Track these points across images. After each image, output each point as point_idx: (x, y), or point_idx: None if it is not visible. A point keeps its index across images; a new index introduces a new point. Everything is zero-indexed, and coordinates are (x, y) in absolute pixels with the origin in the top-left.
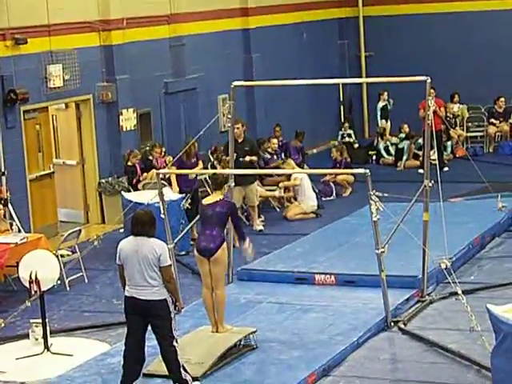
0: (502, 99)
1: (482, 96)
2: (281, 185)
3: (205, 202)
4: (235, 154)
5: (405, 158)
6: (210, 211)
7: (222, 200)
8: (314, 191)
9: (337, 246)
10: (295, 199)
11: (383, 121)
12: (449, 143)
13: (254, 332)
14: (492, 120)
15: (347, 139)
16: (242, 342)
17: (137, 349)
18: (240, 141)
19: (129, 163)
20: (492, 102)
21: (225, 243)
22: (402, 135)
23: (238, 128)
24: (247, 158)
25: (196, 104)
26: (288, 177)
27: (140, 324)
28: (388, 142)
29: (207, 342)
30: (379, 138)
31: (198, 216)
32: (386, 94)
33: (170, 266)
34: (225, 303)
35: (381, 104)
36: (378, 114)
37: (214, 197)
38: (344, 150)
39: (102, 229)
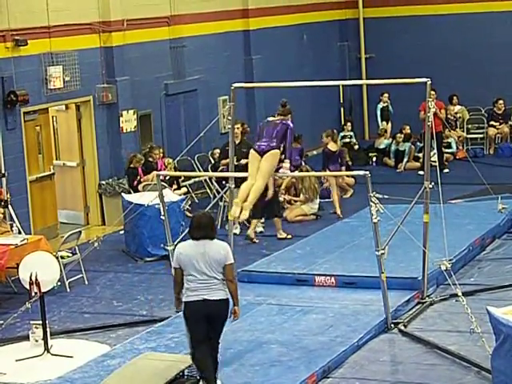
0: (501, 101)
1: (482, 98)
2: (282, 187)
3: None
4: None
5: (405, 160)
6: (271, 127)
7: (282, 121)
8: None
9: (337, 248)
10: (295, 201)
11: (383, 122)
12: (452, 140)
13: None
14: (492, 122)
15: (348, 140)
16: (186, 373)
17: (209, 355)
18: (237, 142)
19: (131, 165)
20: (492, 104)
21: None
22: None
23: (237, 128)
24: (243, 161)
25: (196, 105)
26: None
27: (206, 328)
28: (393, 145)
29: (145, 373)
30: (381, 139)
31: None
32: (386, 95)
33: (233, 264)
34: (260, 192)
35: (381, 105)
36: (378, 114)
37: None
38: (345, 153)
39: (103, 230)
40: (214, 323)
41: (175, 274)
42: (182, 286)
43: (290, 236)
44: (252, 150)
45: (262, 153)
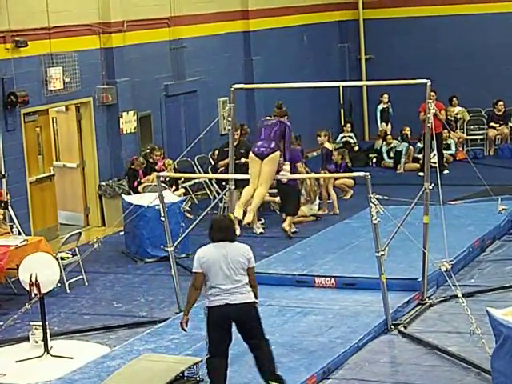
0: (501, 103)
1: (482, 99)
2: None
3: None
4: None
5: (403, 160)
6: (269, 127)
7: (279, 121)
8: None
9: (337, 249)
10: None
11: (383, 124)
12: (452, 142)
13: (199, 362)
14: (492, 123)
15: (348, 140)
16: (186, 374)
17: (225, 362)
18: (235, 144)
19: (133, 166)
20: (492, 106)
21: (279, 152)
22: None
23: (236, 134)
24: (243, 160)
25: (196, 107)
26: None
27: (228, 335)
28: (391, 145)
29: (145, 374)
30: (383, 142)
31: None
32: (386, 96)
33: (255, 268)
34: (263, 197)
35: (381, 107)
36: (378, 115)
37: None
38: (346, 155)
39: (102, 231)
40: (245, 326)
41: (196, 279)
42: (200, 293)
43: (292, 234)
44: (251, 154)
45: (262, 157)
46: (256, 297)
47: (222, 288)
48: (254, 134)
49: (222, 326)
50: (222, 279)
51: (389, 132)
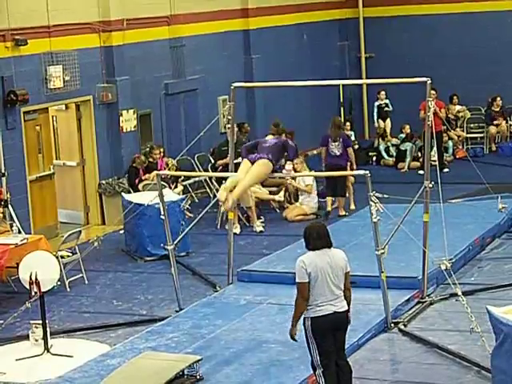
0: (498, 98)
1: (482, 97)
2: (292, 184)
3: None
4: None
5: (408, 159)
6: (267, 143)
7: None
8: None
9: (337, 247)
10: (295, 200)
11: (380, 120)
12: (450, 144)
13: (199, 361)
14: (493, 121)
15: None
16: (186, 372)
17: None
18: (234, 142)
19: (134, 164)
20: (490, 102)
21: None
22: (402, 135)
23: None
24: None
25: (196, 105)
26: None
27: (333, 339)
28: (389, 143)
29: (145, 373)
30: (380, 139)
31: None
32: (382, 93)
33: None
34: (244, 190)
35: (377, 103)
36: (375, 112)
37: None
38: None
39: (102, 230)
40: (341, 335)
41: (303, 289)
42: (308, 303)
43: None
44: (245, 159)
45: (254, 160)
46: (350, 299)
47: (329, 296)
48: (252, 133)
49: (329, 333)
50: (329, 287)
51: (388, 129)
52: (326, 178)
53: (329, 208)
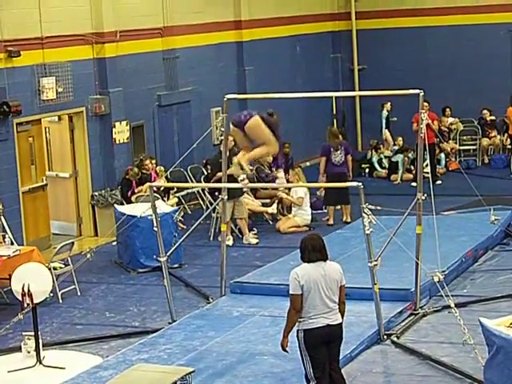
0: (486, 111)
1: (475, 109)
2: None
3: None
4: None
5: (401, 171)
6: None
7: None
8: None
9: (330, 259)
10: (288, 212)
11: (386, 130)
12: (442, 156)
13: (192, 373)
14: (486, 132)
15: None
16: None
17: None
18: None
19: (127, 176)
20: (479, 114)
21: None
22: (395, 147)
23: (233, 140)
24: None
25: (189, 117)
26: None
27: (326, 350)
28: (382, 155)
29: None
30: (373, 151)
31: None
32: (389, 104)
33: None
34: (262, 154)
35: (385, 113)
36: (383, 122)
37: None
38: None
39: (95, 241)
40: (335, 347)
41: (296, 301)
42: (300, 315)
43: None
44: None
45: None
46: (343, 313)
47: (322, 308)
48: None
49: (321, 345)
50: (322, 300)
51: (389, 139)
52: (328, 189)
53: (330, 221)
